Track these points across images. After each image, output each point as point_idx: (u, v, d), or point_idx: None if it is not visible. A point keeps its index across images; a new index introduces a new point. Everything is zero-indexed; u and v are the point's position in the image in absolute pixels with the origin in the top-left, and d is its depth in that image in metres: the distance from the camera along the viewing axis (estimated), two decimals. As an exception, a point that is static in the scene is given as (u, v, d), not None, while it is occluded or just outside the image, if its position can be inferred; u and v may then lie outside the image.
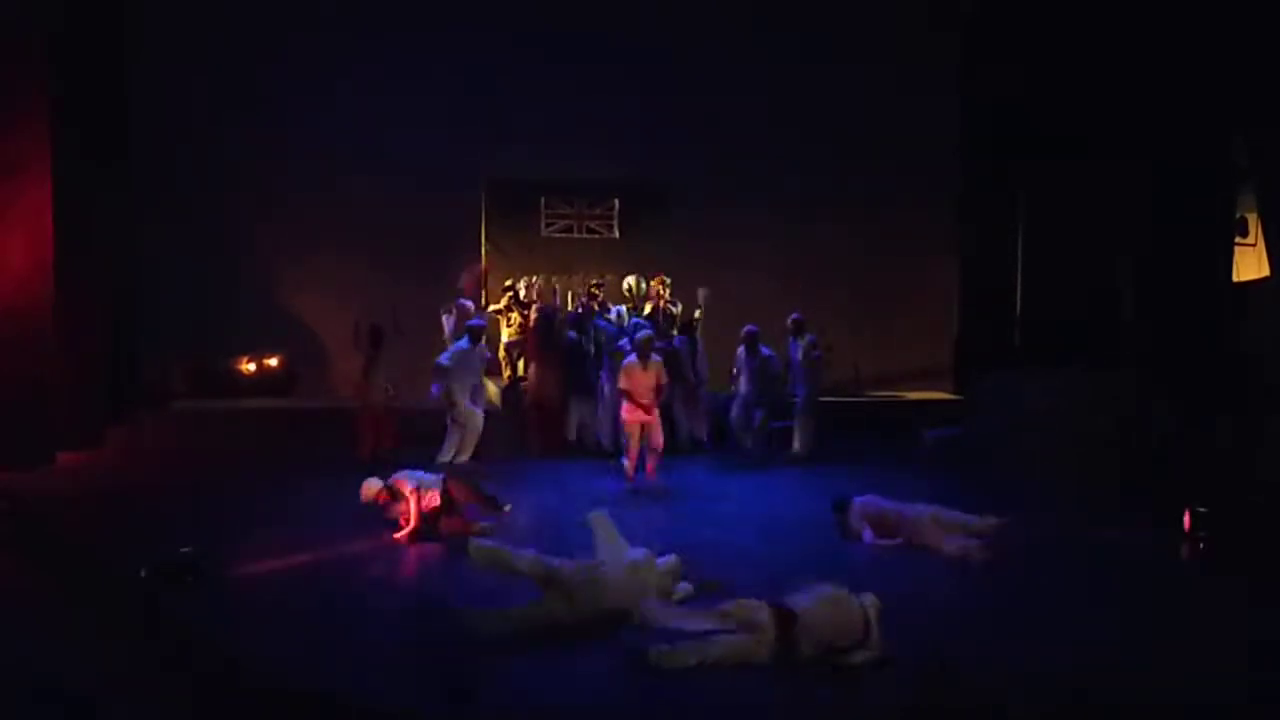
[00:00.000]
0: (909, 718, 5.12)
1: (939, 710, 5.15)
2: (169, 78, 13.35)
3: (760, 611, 5.37)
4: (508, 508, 8.53)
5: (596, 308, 12.41)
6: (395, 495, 8.10)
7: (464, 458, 10.86)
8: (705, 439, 12.38)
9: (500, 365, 13.08)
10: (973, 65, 14.31)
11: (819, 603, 5.43)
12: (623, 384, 10.06)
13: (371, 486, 8.14)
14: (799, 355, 11.93)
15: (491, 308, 13.11)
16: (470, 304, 12.29)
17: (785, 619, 5.33)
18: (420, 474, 8.26)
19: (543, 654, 5.67)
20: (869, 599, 5.54)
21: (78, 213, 11.22)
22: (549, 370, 11.92)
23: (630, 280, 12.97)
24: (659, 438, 10.20)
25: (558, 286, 13.11)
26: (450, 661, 5.49)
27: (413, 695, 5.23)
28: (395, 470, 8.32)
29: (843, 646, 5.35)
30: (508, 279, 13.27)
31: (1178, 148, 11.07)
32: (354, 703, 5.14)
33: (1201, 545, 8.09)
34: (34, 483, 9.95)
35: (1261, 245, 11.06)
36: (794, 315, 12.05)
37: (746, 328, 11.71)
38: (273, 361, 14.14)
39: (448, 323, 12.04)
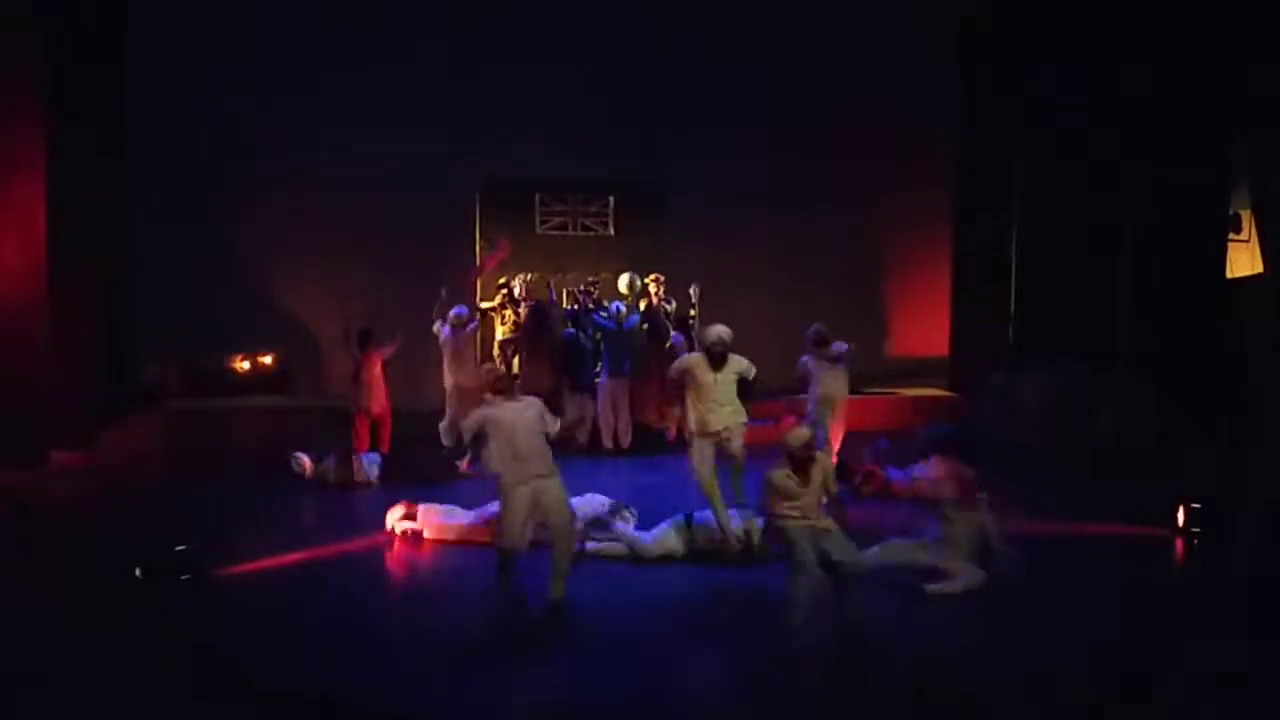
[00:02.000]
0: (909, 718, 5.13)
1: (939, 710, 5.16)
2: (166, 76, 13.26)
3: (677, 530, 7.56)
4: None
5: (592, 305, 12.39)
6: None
7: None
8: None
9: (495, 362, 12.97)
10: (973, 63, 14.29)
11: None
12: (689, 384, 7.75)
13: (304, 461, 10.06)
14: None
15: (486, 305, 13.03)
16: (465, 310, 11.44)
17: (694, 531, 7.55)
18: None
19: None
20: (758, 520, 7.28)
21: (72, 211, 11.12)
22: (540, 365, 11.91)
23: (625, 277, 12.94)
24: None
25: (552, 283, 13.01)
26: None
27: (412, 695, 5.23)
28: None
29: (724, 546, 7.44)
30: (502, 277, 13.21)
31: (1176, 146, 11.08)
32: (354, 703, 5.14)
33: (1195, 541, 8.12)
34: (29, 483, 9.88)
35: (1255, 241, 11.09)
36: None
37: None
38: (267, 360, 14.07)
39: (443, 331, 11.27)
